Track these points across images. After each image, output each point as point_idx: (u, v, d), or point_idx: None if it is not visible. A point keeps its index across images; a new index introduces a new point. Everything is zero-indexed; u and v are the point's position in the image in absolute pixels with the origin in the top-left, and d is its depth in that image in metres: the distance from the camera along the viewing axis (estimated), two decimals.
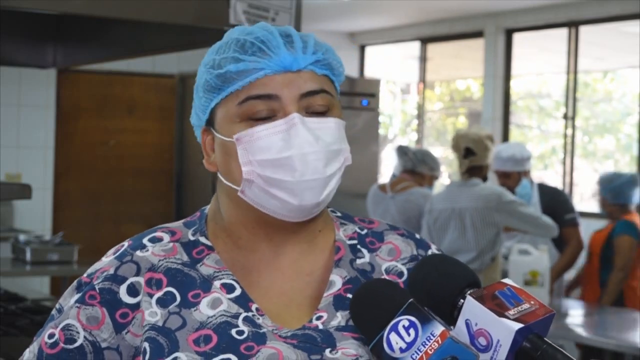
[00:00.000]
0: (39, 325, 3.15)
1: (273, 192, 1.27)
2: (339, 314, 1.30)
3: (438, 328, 1.09)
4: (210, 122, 1.33)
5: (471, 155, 4.85)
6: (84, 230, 7.48)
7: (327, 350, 1.26)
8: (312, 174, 1.26)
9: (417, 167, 5.51)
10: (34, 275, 6.24)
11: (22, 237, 5.75)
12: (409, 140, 9.85)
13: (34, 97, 7.44)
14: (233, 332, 1.26)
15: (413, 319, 1.11)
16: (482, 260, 4.82)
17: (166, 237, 1.35)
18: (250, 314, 1.28)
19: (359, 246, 1.38)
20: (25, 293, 4.00)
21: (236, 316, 1.28)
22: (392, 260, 1.38)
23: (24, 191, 2.95)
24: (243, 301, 1.30)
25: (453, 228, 4.87)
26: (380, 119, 8.76)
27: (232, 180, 1.30)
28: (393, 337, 1.11)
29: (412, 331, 1.10)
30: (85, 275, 1.34)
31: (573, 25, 7.78)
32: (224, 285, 1.31)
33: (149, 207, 7.86)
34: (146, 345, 1.26)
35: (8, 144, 7.31)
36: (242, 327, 1.27)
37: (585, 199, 8.31)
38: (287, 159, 1.25)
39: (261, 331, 1.27)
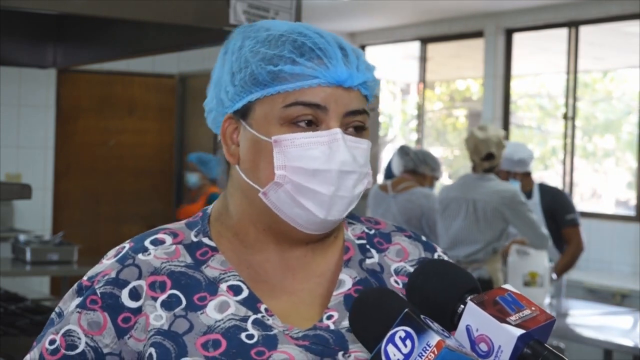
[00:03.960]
0: (39, 325, 3.16)
1: (301, 200, 1.25)
2: None
3: (434, 338, 1.07)
4: (241, 113, 1.29)
5: (491, 159, 4.93)
6: (84, 230, 7.49)
7: (340, 354, 1.25)
8: (344, 191, 1.26)
9: (418, 167, 5.53)
10: (34, 275, 6.25)
11: (22, 237, 5.75)
12: (409, 140, 9.85)
13: (34, 97, 7.44)
14: (243, 336, 1.24)
15: (409, 329, 1.09)
16: (486, 251, 4.87)
17: (168, 240, 1.32)
18: (259, 315, 1.26)
19: (367, 246, 1.38)
20: (25, 293, 4.01)
21: (245, 319, 1.25)
22: (400, 261, 1.38)
23: (24, 191, 2.95)
24: (251, 302, 1.27)
25: (463, 217, 4.93)
26: (380, 119, 8.77)
27: (255, 179, 1.27)
28: (391, 349, 1.09)
29: (408, 342, 1.08)
30: (85, 278, 1.30)
31: (573, 25, 7.78)
32: (230, 288, 1.28)
33: (149, 207, 7.86)
34: (152, 350, 1.23)
35: (8, 144, 7.31)
36: (251, 330, 1.24)
37: (585, 199, 8.31)
38: (326, 172, 1.24)
39: (271, 333, 1.24)
